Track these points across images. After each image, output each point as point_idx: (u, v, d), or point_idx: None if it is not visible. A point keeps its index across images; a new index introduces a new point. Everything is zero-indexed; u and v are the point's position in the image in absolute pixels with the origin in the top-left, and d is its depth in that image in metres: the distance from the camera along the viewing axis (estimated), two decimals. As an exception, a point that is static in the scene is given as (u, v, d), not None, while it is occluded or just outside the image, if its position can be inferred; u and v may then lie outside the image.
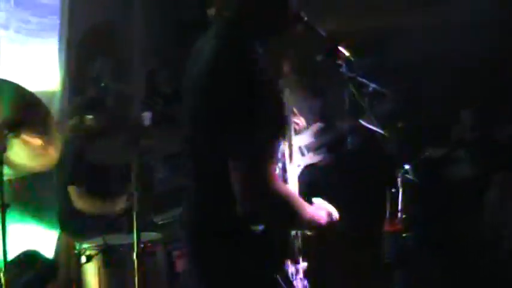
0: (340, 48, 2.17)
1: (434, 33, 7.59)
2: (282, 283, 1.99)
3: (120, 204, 3.89)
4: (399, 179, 2.04)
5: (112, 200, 4.02)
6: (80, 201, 4.03)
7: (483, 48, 6.98)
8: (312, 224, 2.04)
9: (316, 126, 5.20)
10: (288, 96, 5.01)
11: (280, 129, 1.98)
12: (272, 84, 1.96)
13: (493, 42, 6.93)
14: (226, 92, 1.85)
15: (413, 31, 7.77)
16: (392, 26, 8.15)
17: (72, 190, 4.05)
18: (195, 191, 2.08)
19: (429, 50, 7.40)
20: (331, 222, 2.09)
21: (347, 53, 2.16)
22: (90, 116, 4.24)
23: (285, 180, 2.08)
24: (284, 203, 1.91)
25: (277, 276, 1.99)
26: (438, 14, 7.12)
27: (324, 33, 2.19)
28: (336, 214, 2.13)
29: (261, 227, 1.96)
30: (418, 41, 7.62)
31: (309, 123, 5.23)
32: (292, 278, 2.05)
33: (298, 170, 5.32)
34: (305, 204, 2.01)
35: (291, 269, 2.05)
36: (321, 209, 2.12)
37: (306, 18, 2.19)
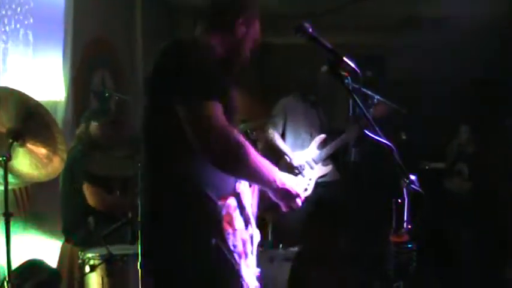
0: (345, 59, 2.17)
1: (433, 51, 7.66)
2: (223, 248, 2.09)
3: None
4: (405, 190, 2.04)
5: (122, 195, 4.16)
6: (93, 198, 4.12)
7: (480, 65, 7.06)
8: (270, 180, 2.14)
9: (320, 138, 5.29)
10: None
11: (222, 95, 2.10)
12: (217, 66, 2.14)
13: (490, 58, 7.01)
14: (167, 63, 2.11)
15: (413, 49, 7.84)
16: (392, 44, 8.23)
17: (86, 188, 4.11)
18: (144, 180, 2.25)
19: (428, 66, 7.47)
20: (291, 198, 2.20)
21: (352, 64, 2.17)
22: (95, 123, 4.26)
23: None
24: (232, 139, 2.02)
25: (216, 241, 2.08)
26: (437, 33, 7.19)
27: (329, 45, 2.20)
28: (300, 195, 2.22)
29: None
30: (419, 58, 7.69)
31: (312, 136, 5.30)
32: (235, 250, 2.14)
33: (312, 184, 5.35)
34: (261, 157, 2.12)
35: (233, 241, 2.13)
36: (291, 180, 2.22)
37: (310, 30, 2.21)
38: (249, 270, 2.21)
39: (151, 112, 2.19)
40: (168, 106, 2.07)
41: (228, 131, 2.02)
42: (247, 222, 2.23)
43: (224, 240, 2.10)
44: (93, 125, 4.28)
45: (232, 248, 2.12)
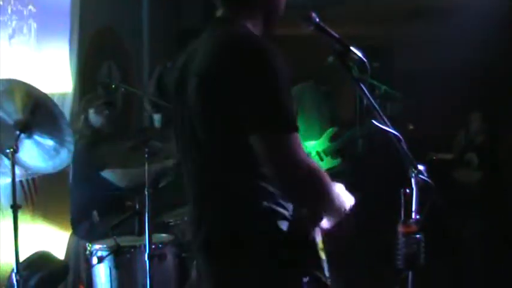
0: (353, 48, 2.15)
1: (443, 42, 7.63)
2: (321, 277, 1.96)
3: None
4: (413, 180, 2.03)
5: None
6: (121, 179, 4.01)
7: (491, 55, 7.02)
8: (340, 207, 1.98)
9: (331, 131, 5.25)
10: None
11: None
12: (281, 62, 1.89)
13: (500, 49, 6.97)
14: (237, 73, 1.83)
15: (422, 39, 7.81)
16: (402, 34, 8.20)
17: (108, 173, 4.00)
18: (206, 200, 2.00)
19: (436, 57, 7.44)
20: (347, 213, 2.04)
21: (359, 54, 2.15)
22: (92, 110, 4.20)
23: None
24: (314, 174, 1.86)
25: (317, 273, 1.96)
26: (446, 23, 7.15)
27: (336, 35, 2.18)
28: (351, 202, 2.07)
29: (284, 226, 1.92)
30: (426, 49, 7.66)
31: (322, 128, 5.26)
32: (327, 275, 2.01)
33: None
34: (331, 183, 1.96)
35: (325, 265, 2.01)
36: (345, 193, 2.07)
37: (317, 20, 2.18)
38: None
39: (217, 127, 1.90)
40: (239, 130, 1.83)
41: (311, 167, 1.86)
42: None
43: (322, 270, 1.99)
44: (91, 112, 4.22)
45: (327, 273, 2.00)
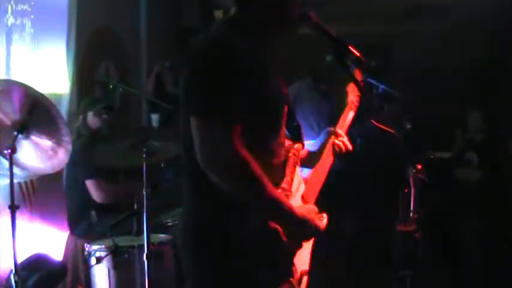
0: (351, 48, 2.15)
1: (442, 40, 7.63)
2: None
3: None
4: (411, 179, 2.03)
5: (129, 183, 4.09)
6: (98, 194, 4.08)
7: (491, 54, 7.01)
8: (283, 213, 1.96)
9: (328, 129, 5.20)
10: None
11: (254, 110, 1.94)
12: (254, 75, 1.96)
13: (500, 48, 6.97)
14: (196, 70, 1.94)
15: (422, 37, 7.81)
16: (402, 31, 8.18)
17: (89, 185, 4.08)
18: (184, 200, 2.08)
19: (434, 55, 7.43)
20: (308, 229, 2.03)
21: (357, 53, 2.15)
22: (91, 112, 4.23)
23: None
24: (243, 165, 1.87)
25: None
26: (446, 22, 7.15)
27: (334, 34, 2.18)
28: (321, 225, 2.06)
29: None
30: (426, 48, 7.65)
31: (320, 127, 5.24)
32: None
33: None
34: (276, 191, 1.97)
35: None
36: (306, 211, 2.06)
37: (315, 19, 2.18)
38: None
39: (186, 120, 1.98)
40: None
41: (235, 155, 1.86)
42: None
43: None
44: (90, 115, 4.26)
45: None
